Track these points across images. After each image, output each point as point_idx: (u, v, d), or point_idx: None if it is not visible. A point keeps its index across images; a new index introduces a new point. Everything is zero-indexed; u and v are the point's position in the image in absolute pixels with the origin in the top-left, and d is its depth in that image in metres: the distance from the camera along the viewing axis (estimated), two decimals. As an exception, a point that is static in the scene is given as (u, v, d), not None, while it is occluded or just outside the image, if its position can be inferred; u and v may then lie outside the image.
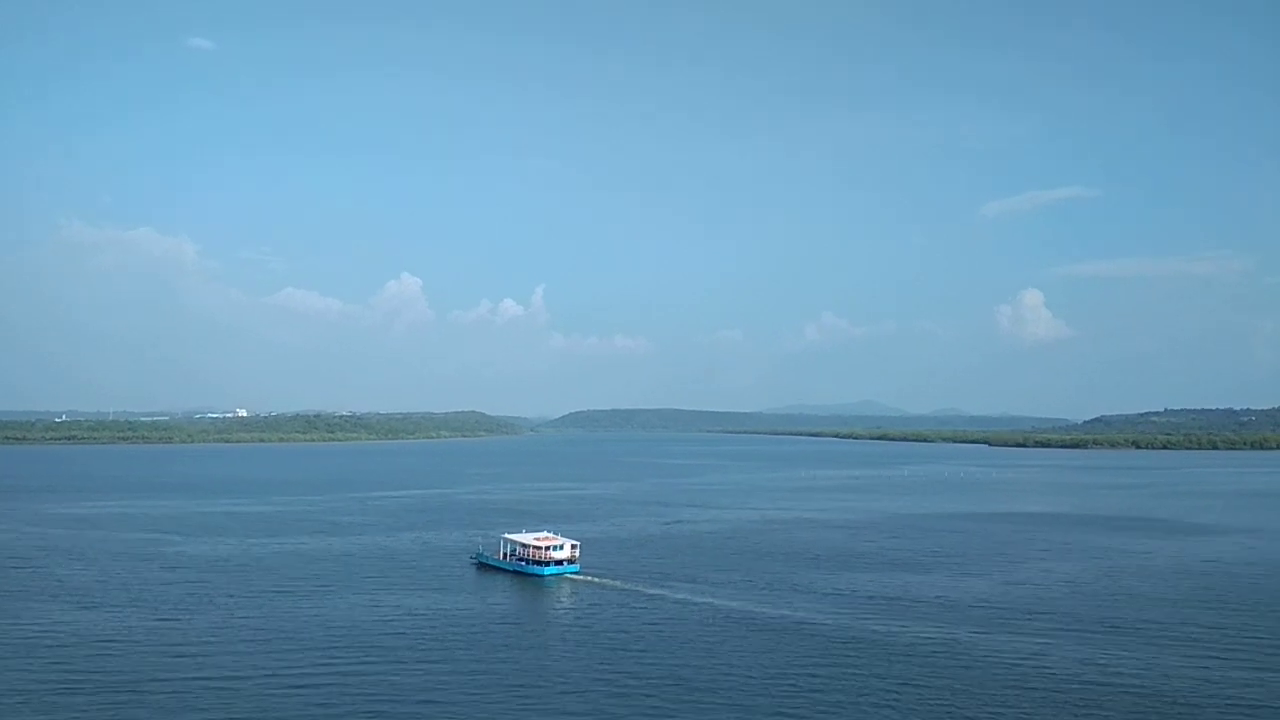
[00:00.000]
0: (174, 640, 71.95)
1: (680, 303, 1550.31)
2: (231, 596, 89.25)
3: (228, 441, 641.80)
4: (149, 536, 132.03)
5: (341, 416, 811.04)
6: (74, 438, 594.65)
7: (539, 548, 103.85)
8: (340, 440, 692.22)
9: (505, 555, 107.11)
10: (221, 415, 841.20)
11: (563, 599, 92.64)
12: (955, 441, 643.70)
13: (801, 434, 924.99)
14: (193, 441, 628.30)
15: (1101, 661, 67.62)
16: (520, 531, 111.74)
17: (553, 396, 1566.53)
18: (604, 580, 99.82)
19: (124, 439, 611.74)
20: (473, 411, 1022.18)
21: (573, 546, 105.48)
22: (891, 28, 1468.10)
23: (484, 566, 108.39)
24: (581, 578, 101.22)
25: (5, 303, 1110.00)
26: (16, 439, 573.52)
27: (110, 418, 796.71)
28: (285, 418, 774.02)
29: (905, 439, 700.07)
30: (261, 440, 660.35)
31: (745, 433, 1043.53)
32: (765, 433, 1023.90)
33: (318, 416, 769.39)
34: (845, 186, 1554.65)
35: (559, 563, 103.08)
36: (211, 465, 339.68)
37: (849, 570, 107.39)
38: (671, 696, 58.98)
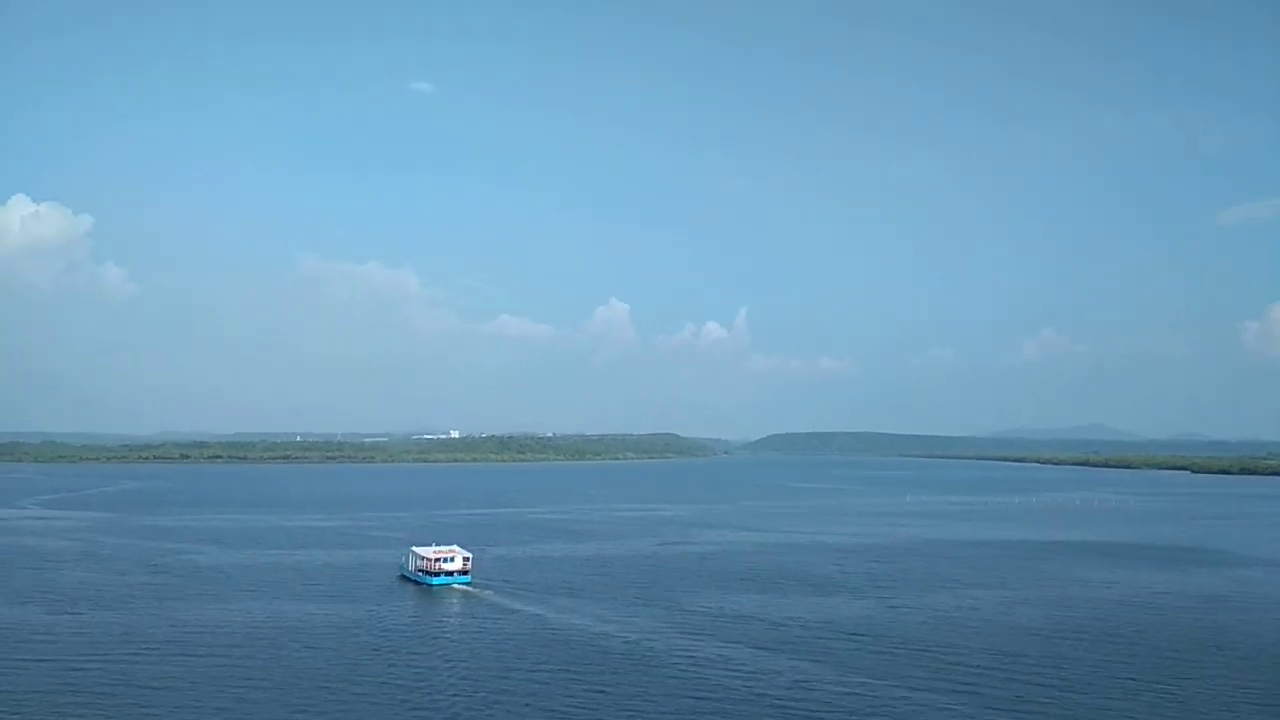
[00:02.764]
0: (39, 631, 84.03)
1: (887, 321, 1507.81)
2: (134, 598, 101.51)
3: (425, 461, 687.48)
4: (170, 546, 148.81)
5: (533, 438, 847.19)
6: (288, 457, 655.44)
7: (431, 559, 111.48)
8: (528, 460, 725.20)
9: (412, 567, 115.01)
10: (436, 436, 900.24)
11: (435, 606, 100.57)
12: (1157, 468, 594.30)
13: (1008, 459, 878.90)
14: (392, 461, 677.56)
15: (813, 683, 67.49)
16: (431, 545, 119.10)
17: (753, 419, 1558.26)
18: (482, 592, 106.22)
19: (331, 459, 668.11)
20: (667, 434, 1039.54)
21: (464, 559, 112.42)
22: (1115, 20, 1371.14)
23: (403, 578, 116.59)
24: (464, 588, 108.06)
25: (249, 333, 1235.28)
26: (239, 458, 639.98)
27: (338, 439, 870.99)
28: (481, 439, 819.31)
29: (1107, 465, 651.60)
30: (456, 460, 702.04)
31: (948, 458, 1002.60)
32: (971, 457, 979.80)
33: (510, 438, 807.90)
34: (1064, 193, 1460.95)
35: (449, 574, 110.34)
36: (363, 483, 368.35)
37: (758, 592, 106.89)
38: (428, 698, 63.87)
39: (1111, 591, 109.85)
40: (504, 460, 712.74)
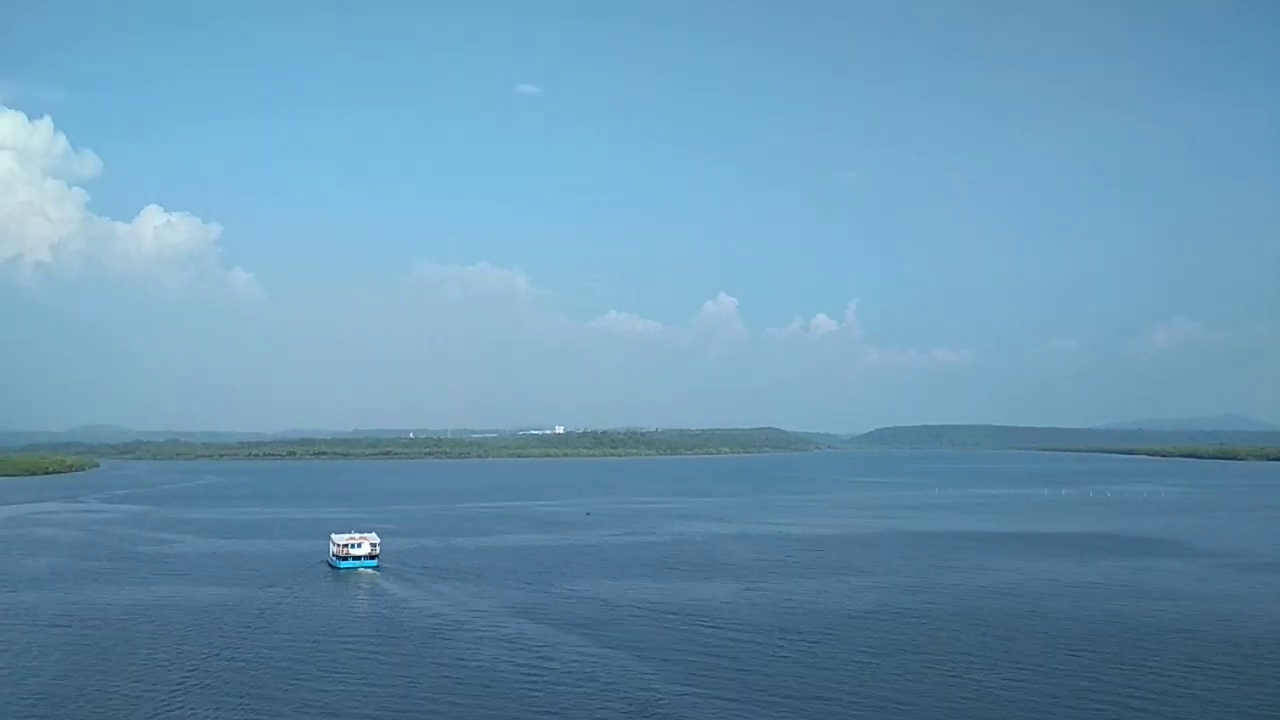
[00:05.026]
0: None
1: (1007, 311, 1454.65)
2: (63, 581, 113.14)
3: (519, 457, 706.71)
4: (163, 536, 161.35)
5: (632, 433, 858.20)
6: (389, 454, 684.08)
7: (341, 546, 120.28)
8: (620, 455, 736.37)
9: (330, 553, 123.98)
10: (542, 432, 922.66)
11: (326, 586, 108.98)
12: (1266, 459, 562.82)
13: (1121, 451, 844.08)
14: (486, 457, 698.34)
15: (564, 655, 72.38)
16: (349, 532, 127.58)
17: (864, 412, 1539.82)
18: (380, 575, 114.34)
19: (430, 454, 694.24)
20: (768, 428, 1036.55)
21: (372, 546, 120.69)
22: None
23: (326, 563, 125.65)
24: (369, 572, 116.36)
25: (368, 334, 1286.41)
26: (343, 455, 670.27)
27: (449, 435, 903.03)
28: (578, 435, 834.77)
29: (1215, 456, 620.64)
30: (548, 455, 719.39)
31: (1066, 450, 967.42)
32: (1088, 450, 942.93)
33: (605, 434, 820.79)
34: (1192, 173, 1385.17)
35: (356, 558, 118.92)
36: (429, 478, 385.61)
37: (643, 578, 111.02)
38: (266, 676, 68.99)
39: (985, 578, 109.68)
40: (596, 455, 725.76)
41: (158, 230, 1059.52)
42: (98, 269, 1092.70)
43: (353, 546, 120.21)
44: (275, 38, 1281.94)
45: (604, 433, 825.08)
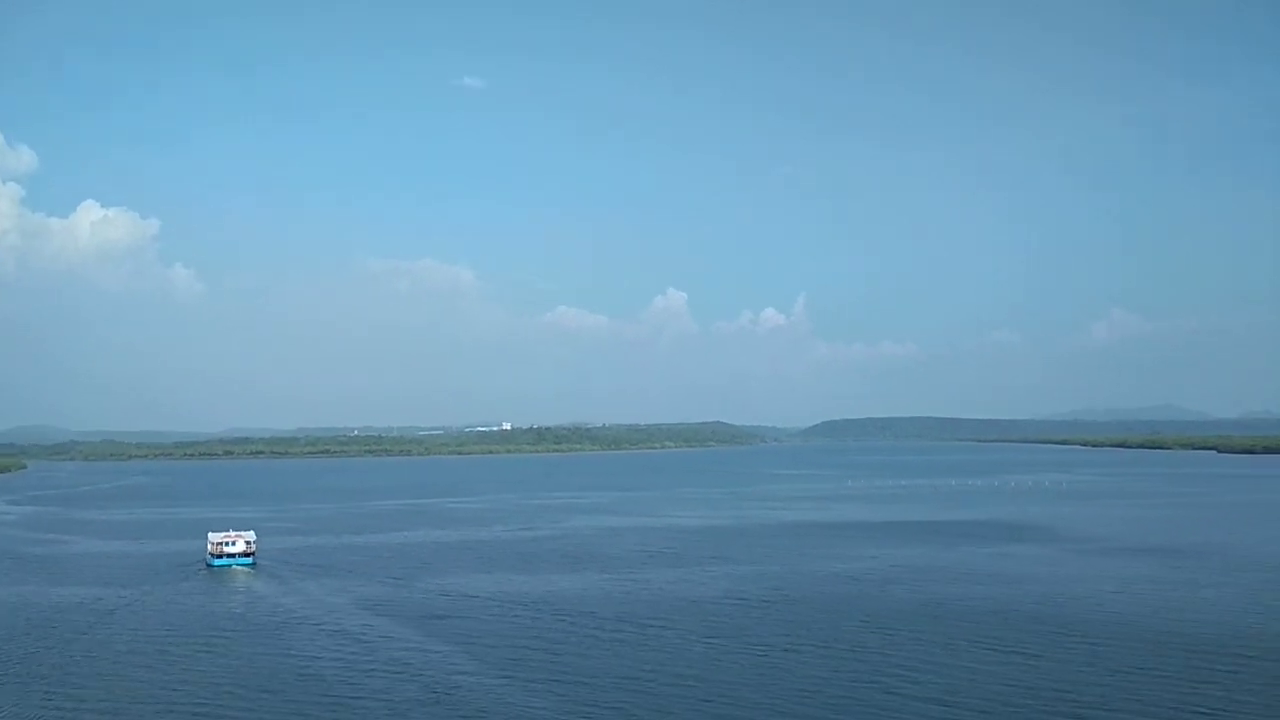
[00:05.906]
0: None
1: (952, 305, 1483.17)
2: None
3: (460, 453, 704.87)
4: (46, 536, 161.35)
5: (576, 429, 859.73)
6: (327, 452, 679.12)
7: (217, 544, 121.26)
8: (563, 452, 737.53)
9: (208, 551, 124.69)
10: (489, 429, 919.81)
11: (198, 583, 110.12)
12: (1192, 448, 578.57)
13: (1054, 442, 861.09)
14: (427, 454, 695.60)
15: (384, 640, 74.60)
16: (226, 530, 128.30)
17: (812, 406, 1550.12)
18: (251, 573, 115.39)
19: (369, 452, 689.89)
20: (715, 422, 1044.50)
21: (247, 543, 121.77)
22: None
23: (205, 561, 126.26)
24: (243, 569, 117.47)
25: (312, 332, 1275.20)
26: (280, 454, 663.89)
27: (394, 433, 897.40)
28: (520, 431, 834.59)
29: (1143, 446, 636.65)
30: (490, 452, 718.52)
31: (1004, 441, 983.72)
32: (1024, 441, 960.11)
33: (548, 430, 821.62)
34: (1130, 166, 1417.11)
35: (230, 556, 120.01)
36: (354, 477, 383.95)
37: (512, 571, 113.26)
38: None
39: (843, 565, 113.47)
40: (539, 452, 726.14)
41: (94, 226, 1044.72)
42: (32, 265, 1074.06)
43: (227, 545, 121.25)
44: (213, 33, 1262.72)
45: (547, 429, 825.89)
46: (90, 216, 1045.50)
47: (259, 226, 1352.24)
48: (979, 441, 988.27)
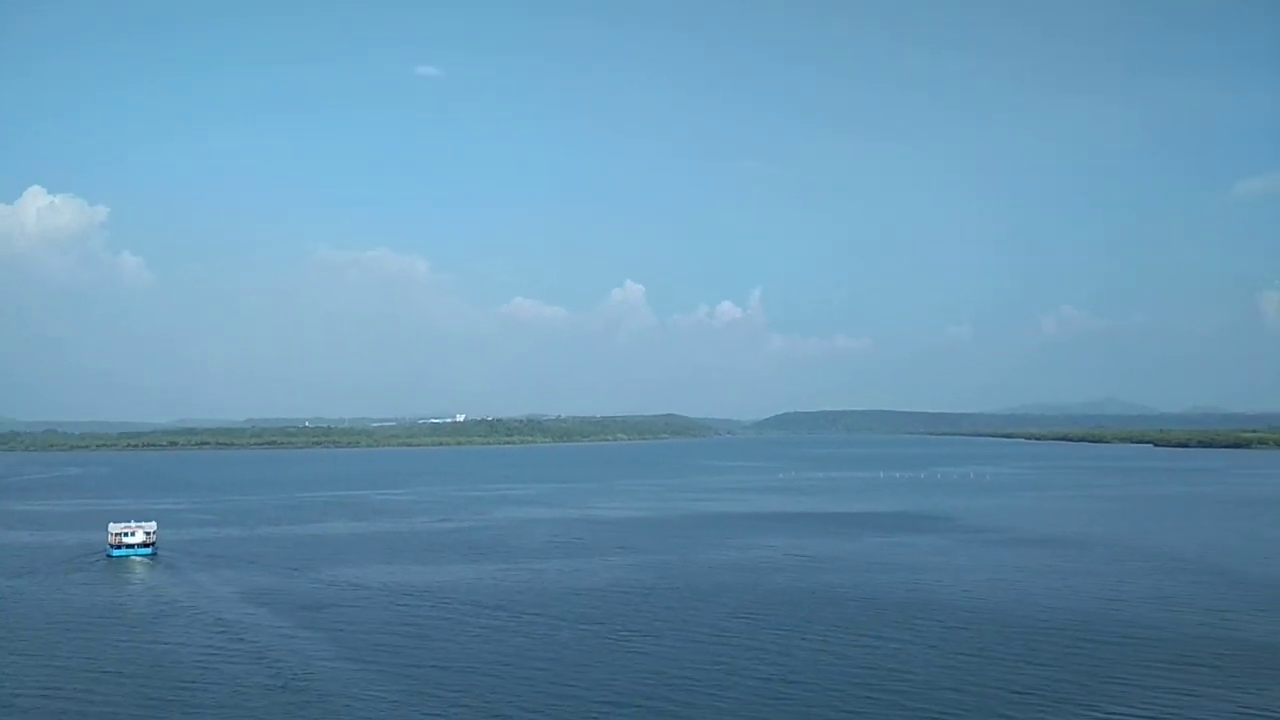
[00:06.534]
0: None
1: (905, 301, 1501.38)
2: None
3: (409, 445, 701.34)
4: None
5: (527, 421, 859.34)
6: (273, 443, 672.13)
7: (117, 534, 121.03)
8: (514, 443, 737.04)
9: (109, 542, 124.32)
10: (442, 420, 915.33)
11: (94, 573, 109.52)
12: (1129, 441, 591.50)
13: (1000, 435, 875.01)
14: (376, 446, 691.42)
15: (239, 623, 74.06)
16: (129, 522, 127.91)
17: (766, 398, 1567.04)
18: (149, 563, 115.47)
19: (317, 443, 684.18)
20: (669, 415, 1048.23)
21: (147, 534, 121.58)
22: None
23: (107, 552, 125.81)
24: (141, 559, 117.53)
25: (265, 321, 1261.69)
26: (226, 445, 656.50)
27: (346, 424, 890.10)
28: (471, 423, 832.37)
29: (1084, 440, 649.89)
30: (440, 444, 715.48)
31: (953, 434, 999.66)
32: (972, 434, 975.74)
33: (499, 422, 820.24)
34: (1080, 170, 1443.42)
35: (129, 547, 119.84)
36: (292, 469, 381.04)
37: (410, 562, 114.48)
38: None
39: (735, 555, 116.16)
40: (490, 443, 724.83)
41: (41, 212, 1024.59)
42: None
43: (126, 535, 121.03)
44: (166, 25, 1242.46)
45: (498, 420, 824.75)
46: (37, 203, 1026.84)
47: (211, 215, 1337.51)
48: (930, 435, 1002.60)
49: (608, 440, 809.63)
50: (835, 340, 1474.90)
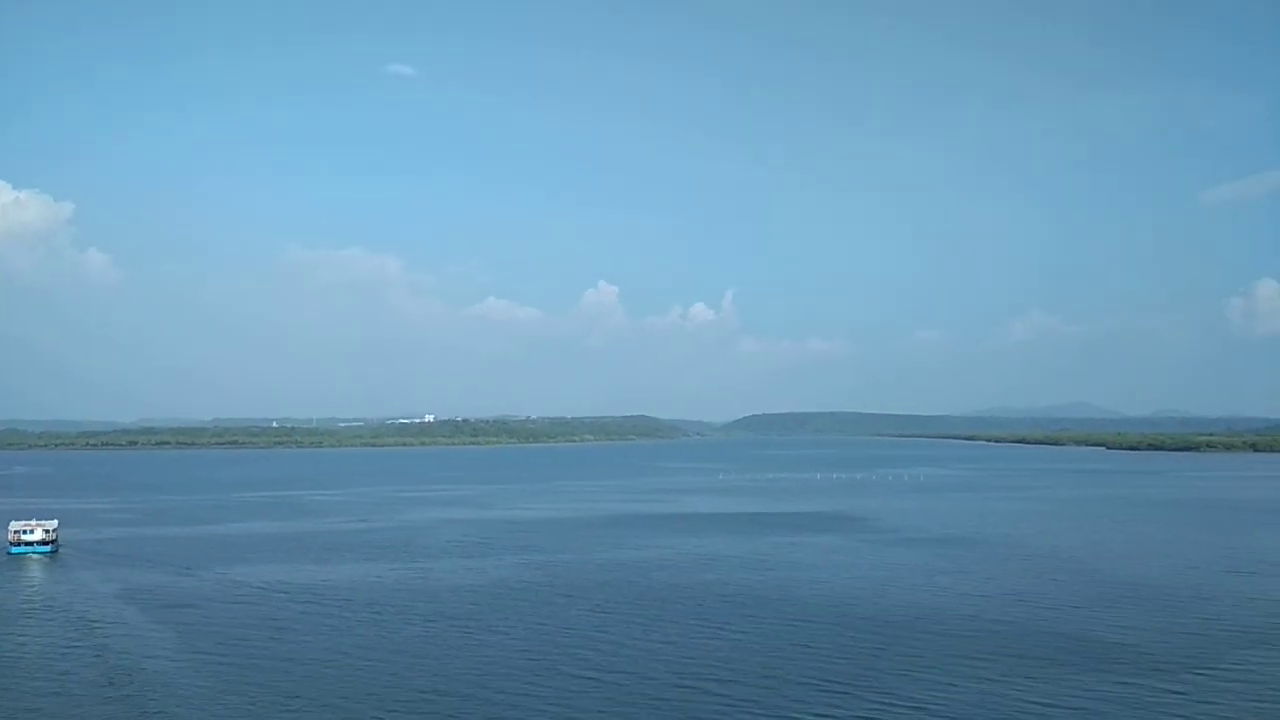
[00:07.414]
0: None
1: (877, 304, 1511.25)
2: None
3: (373, 446, 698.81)
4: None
5: (495, 421, 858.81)
6: (235, 443, 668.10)
7: (15, 531, 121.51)
8: (481, 444, 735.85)
9: (8, 539, 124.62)
10: (411, 421, 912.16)
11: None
12: (1086, 445, 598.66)
13: (963, 438, 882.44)
14: (339, 446, 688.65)
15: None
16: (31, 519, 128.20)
17: (738, 400, 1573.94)
18: (45, 561, 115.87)
19: (279, 443, 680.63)
20: (638, 416, 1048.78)
21: (46, 531, 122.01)
22: (1101, 2, 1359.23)
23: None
24: (40, 557, 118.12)
25: (233, 320, 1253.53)
26: (186, 444, 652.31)
27: (314, 424, 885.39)
28: (436, 424, 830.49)
29: (1041, 443, 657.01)
30: (405, 445, 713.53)
31: (921, 437, 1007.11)
32: (939, 436, 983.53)
33: (465, 422, 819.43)
34: (1050, 175, 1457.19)
35: (28, 544, 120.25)
36: (241, 469, 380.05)
37: (311, 562, 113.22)
38: None
39: (634, 554, 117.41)
40: (456, 444, 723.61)
41: (4, 208, 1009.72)
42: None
43: (25, 533, 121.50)
44: (134, 18, 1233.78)
45: (464, 421, 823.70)
46: (1, 198, 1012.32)
47: (181, 213, 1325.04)
48: (900, 437, 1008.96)
49: (575, 442, 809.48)
50: (807, 343, 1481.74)
